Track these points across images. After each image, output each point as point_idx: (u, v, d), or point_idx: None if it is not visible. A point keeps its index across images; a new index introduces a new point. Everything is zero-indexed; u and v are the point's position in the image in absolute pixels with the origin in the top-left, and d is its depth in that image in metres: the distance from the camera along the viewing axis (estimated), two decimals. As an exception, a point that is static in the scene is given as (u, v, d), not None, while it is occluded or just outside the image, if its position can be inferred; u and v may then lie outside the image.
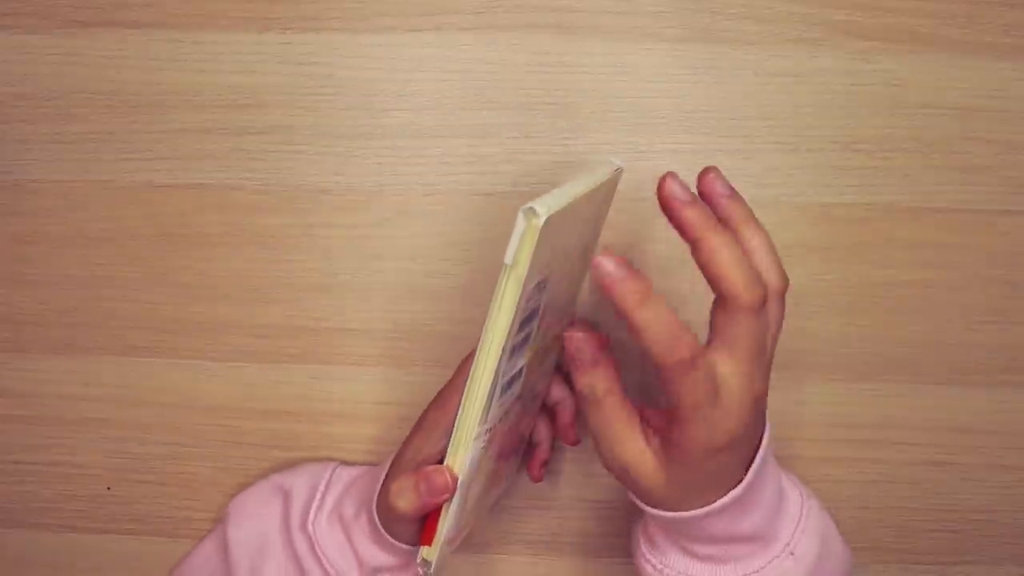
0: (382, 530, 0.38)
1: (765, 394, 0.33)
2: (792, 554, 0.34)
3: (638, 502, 0.35)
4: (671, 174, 0.32)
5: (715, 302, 0.32)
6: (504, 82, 0.43)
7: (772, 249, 0.34)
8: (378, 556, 0.39)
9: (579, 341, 0.33)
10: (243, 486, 0.46)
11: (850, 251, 0.44)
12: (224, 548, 0.43)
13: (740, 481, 0.33)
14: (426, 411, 0.40)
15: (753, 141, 0.44)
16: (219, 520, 0.46)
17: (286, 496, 0.43)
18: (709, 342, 0.32)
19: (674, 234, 0.44)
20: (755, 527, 0.34)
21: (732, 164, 0.44)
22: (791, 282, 0.44)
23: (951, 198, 0.44)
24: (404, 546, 0.38)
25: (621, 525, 0.47)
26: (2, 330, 0.47)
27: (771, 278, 0.33)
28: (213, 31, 0.43)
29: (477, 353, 0.30)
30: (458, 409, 0.32)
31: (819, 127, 0.43)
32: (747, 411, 0.31)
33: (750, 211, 0.34)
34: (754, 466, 0.33)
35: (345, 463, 0.45)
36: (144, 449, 0.47)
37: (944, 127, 0.43)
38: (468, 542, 0.48)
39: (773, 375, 0.33)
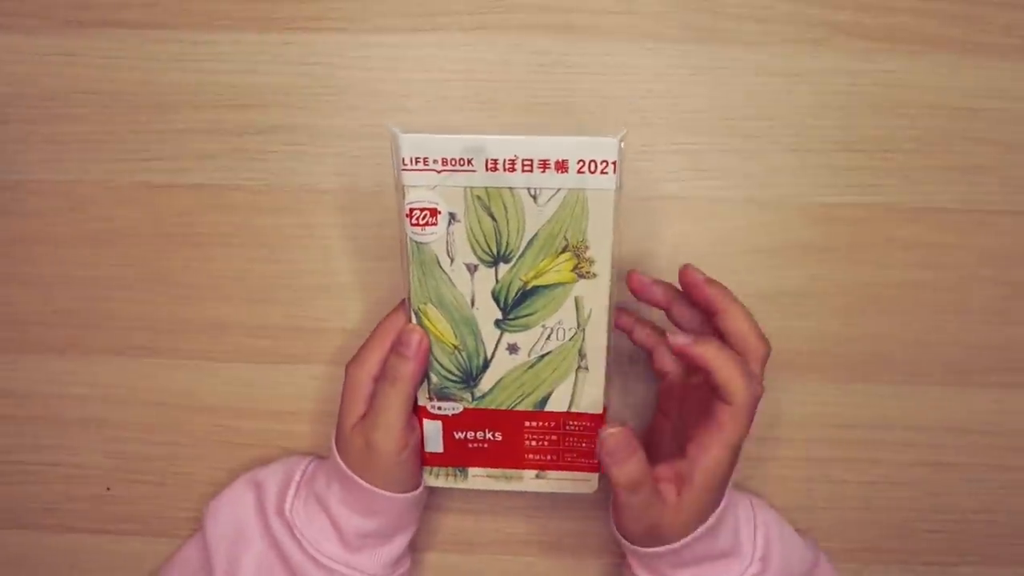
0: (358, 479, 0.38)
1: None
2: (761, 559, 0.40)
3: (630, 547, 0.39)
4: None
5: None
6: (504, 82, 0.43)
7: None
8: (355, 521, 0.40)
9: (618, 436, 0.36)
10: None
11: (850, 251, 0.44)
12: (203, 547, 0.43)
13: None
14: (355, 378, 0.40)
15: (753, 141, 0.43)
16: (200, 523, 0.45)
17: (259, 487, 0.43)
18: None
19: (682, 234, 0.44)
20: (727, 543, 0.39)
21: (732, 164, 0.44)
22: (791, 282, 0.45)
23: (951, 198, 0.44)
24: (388, 494, 0.39)
25: (621, 525, 0.47)
26: (2, 330, 0.47)
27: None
28: (213, 31, 0.43)
29: (599, 278, 0.36)
30: (606, 342, 0.38)
31: (819, 127, 0.43)
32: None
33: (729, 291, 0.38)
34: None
35: (320, 457, 0.45)
36: (144, 449, 0.47)
37: (944, 127, 0.43)
38: (467, 542, 0.48)
39: (772, 375, 0.32)
